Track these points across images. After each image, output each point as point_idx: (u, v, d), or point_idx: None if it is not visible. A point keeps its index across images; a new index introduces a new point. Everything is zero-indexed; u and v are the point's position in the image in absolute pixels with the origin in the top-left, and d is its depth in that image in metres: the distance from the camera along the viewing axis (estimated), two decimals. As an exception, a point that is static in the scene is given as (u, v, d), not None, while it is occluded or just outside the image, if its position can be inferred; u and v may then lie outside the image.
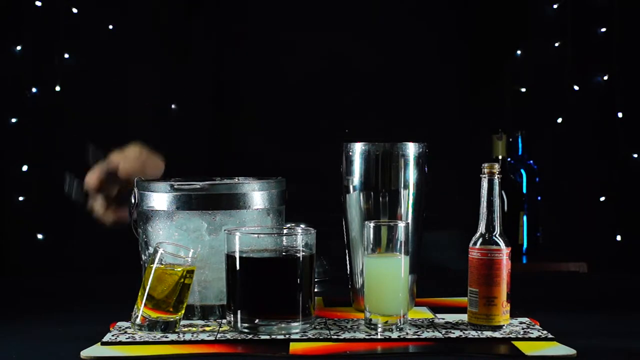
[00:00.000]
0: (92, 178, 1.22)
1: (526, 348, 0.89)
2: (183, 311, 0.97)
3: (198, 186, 1.01)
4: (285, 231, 0.99)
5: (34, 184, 2.54)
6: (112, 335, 0.93)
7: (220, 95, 1.47)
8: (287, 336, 0.92)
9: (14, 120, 2.54)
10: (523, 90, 2.24)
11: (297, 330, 0.94)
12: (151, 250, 1.04)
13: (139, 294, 0.96)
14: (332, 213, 1.10)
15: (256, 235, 0.97)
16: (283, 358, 0.87)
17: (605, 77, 2.58)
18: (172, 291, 0.95)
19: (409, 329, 0.96)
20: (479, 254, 0.95)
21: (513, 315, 0.98)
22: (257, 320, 0.93)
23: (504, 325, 0.95)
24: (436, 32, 1.33)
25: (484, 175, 0.96)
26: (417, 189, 1.05)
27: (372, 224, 0.97)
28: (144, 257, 1.07)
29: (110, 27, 2.53)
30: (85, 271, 1.47)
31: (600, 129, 2.58)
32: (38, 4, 2.52)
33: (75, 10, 2.54)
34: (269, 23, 1.29)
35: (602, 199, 2.59)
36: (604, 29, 2.58)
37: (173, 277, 0.95)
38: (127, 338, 0.92)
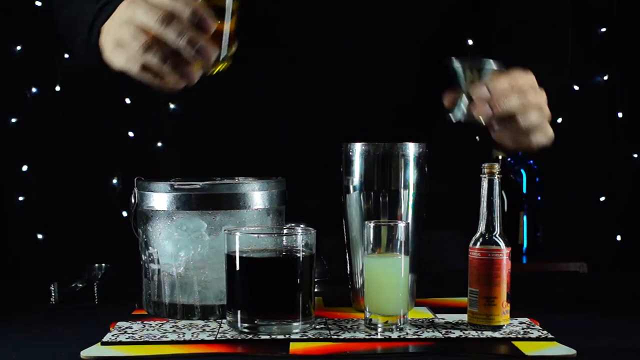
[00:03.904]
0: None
1: (526, 348, 0.89)
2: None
3: (198, 186, 1.01)
4: (285, 231, 0.99)
5: (34, 184, 2.54)
6: (112, 335, 0.93)
7: (221, 95, 1.47)
8: (287, 336, 0.92)
9: (14, 120, 2.55)
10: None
11: (297, 330, 0.94)
12: (151, 250, 1.04)
13: None
14: (332, 213, 1.10)
15: (256, 235, 0.97)
16: (283, 358, 0.87)
17: (605, 77, 2.58)
18: None
19: (409, 329, 0.96)
20: (479, 254, 0.95)
21: (513, 315, 0.98)
22: (257, 320, 0.93)
23: (504, 325, 0.95)
24: (436, 33, 1.33)
25: (484, 175, 0.96)
26: (417, 189, 1.05)
27: (372, 224, 0.97)
28: (143, 257, 1.07)
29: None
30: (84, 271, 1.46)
31: (600, 129, 2.58)
32: (38, 4, 2.53)
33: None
34: (270, 23, 1.29)
35: (602, 199, 2.59)
36: (604, 29, 2.58)
37: None
38: (127, 338, 0.92)
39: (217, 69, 1.03)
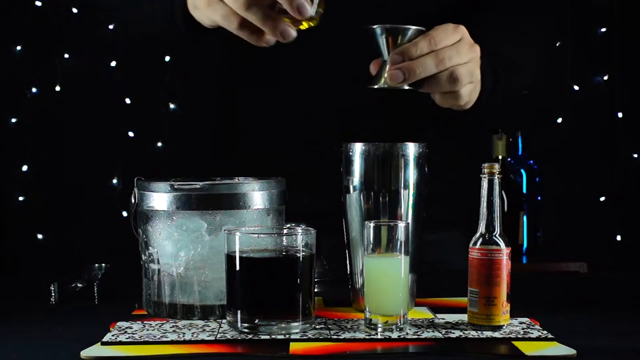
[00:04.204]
0: None
1: (526, 348, 0.89)
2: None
3: (198, 186, 1.01)
4: (285, 231, 0.99)
5: (34, 184, 2.54)
6: (112, 335, 0.93)
7: (221, 95, 1.47)
8: (287, 336, 0.92)
9: (14, 120, 2.54)
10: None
11: (297, 330, 0.94)
12: (151, 250, 1.04)
13: None
14: (332, 213, 1.10)
15: (256, 235, 0.97)
16: (283, 358, 0.87)
17: (605, 77, 2.58)
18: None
19: (409, 329, 0.96)
20: (479, 254, 0.95)
21: (513, 315, 0.98)
22: (257, 320, 0.93)
23: (504, 325, 0.95)
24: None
25: (484, 175, 0.96)
26: (417, 189, 1.05)
27: (372, 224, 0.97)
28: (143, 257, 1.07)
29: (111, 27, 2.53)
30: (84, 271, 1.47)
31: (600, 129, 2.58)
32: (38, 4, 2.53)
33: (75, 10, 2.54)
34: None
35: (602, 199, 2.59)
36: (604, 29, 2.58)
37: None
38: (127, 338, 0.92)
39: (305, 27, 1.03)
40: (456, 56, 1.05)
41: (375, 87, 1.04)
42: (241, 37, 1.02)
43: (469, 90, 1.09)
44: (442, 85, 1.05)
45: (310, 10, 0.98)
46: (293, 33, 1.00)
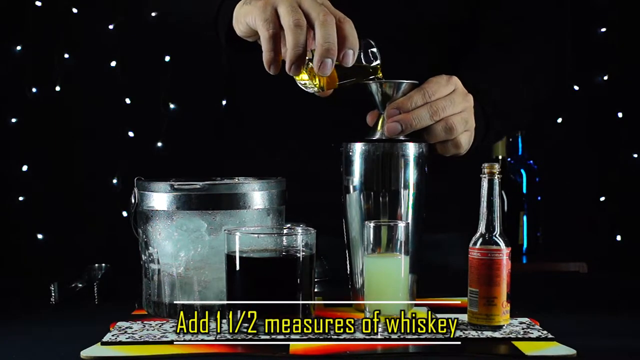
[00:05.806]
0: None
1: (526, 348, 0.89)
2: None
3: (198, 186, 1.01)
4: (285, 231, 0.99)
5: (34, 184, 2.54)
6: (112, 335, 0.93)
7: (221, 95, 1.47)
8: (287, 336, 0.92)
9: (14, 120, 2.55)
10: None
11: (297, 331, 0.94)
12: (151, 250, 1.04)
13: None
14: (332, 213, 1.10)
15: (256, 235, 0.97)
16: (283, 358, 0.87)
17: (605, 77, 2.58)
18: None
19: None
20: (479, 254, 0.95)
21: (513, 315, 0.98)
22: (257, 320, 0.93)
23: (504, 325, 0.95)
24: (435, 31, 1.33)
25: (484, 175, 0.96)
26: (417, 189, 1.05)
27: (372, 224, 0.97)
28: (143, 257, 1.07)
29: (111, 27, 2.53)
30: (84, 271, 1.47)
31: (600, 129, 2.58)
32: (38, 4, 2.53)
33: (75, 10, 2.55)
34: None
35: (602, 199, 2.59)
36: (604, 29, 2.58)
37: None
38: (127, 338, 0.92)
39: (305, 82, 1.06)
40: (450, 106, 1.07)
41: (374, 138, 1.07)
42: (263, 47, 1.01)
43: (467, 138, 1.12)
44: (438, 134, 1.08)
45: (328, 70, 0.99)
46: (299, 71, 1.01)
